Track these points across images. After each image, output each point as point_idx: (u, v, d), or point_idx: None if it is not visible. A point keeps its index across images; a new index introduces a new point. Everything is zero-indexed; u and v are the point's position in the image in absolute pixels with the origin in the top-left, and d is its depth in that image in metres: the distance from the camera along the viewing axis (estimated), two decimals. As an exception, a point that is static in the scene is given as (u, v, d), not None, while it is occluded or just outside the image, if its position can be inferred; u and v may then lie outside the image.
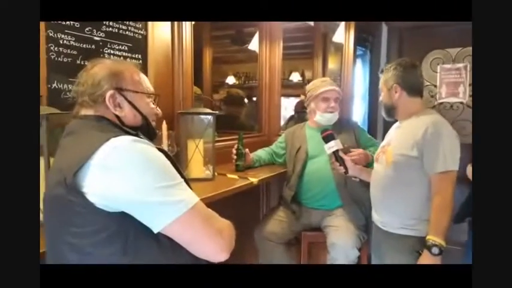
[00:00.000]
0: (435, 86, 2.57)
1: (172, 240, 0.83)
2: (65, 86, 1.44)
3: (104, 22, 1.60)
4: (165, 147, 1.62)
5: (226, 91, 3.26)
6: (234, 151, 2.07)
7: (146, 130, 1.01)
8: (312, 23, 3.01)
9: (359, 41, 2.61)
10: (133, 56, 1.76)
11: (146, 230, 0.81)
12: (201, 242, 0.85)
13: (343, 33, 2.49)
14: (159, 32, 1.89)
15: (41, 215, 0.90)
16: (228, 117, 2.92)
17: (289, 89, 3.37)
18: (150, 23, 1.81)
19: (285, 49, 2.78)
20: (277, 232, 2.04)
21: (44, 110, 1.17)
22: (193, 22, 2.00)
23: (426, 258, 1.40)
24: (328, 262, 1.89)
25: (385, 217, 1.58)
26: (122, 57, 1.68)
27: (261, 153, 2.28)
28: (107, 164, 0.79)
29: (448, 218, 1.41)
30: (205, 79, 3.03)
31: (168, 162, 0.87)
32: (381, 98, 1.66)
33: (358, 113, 2.85)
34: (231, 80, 3.46)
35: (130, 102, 0.96)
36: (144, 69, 1.42)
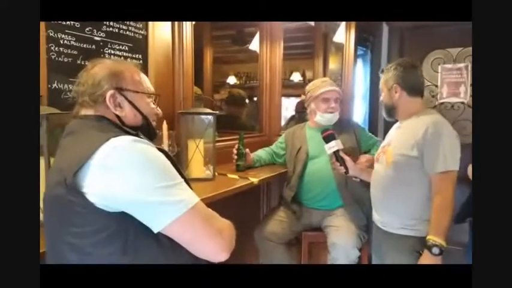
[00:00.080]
0: (436, 86, 2.57)
1: (172, 240, 0.83)
2: (65, 86, 1.44)
3: (104, 22, 1.60)
4: (165, 147, 1.62)
5: (227, 91, 3.26)
6: (235, 151, 2.07)
7: (146, 130, 1.01)
8: (312, 23, 3.01)
9: (360, 41, 2.60)
10: (134, 56, 1.76)
11: (146, 229, 0.81)
12: (201, 242, 0.85)
13: (343, 33, 2.49)
14: (160, 32, 1.89)
15: (41, 215, 0.90)
16: (228, 117, 2.91)
17: (290, 89, 3.37)
18: (150, 23, 1.81)
19: (285, 49, 2.78)
20: (278, 232, 2.03)
21: (44, 110, 1.17)
22: (193, 22, 1.99)
23: (427, 259, 1.40)
24: (329, 262, 1.89)
25: (386, 217, 1.58)
26: (122, 57, 1.68)
27: (261, 153, 2.28)
28: (107, 164, 0.79)
29: (448, 218, 1.41)
30: (205, 79, 3.03)
31: (168, 162, 0.87)
32: (381, 98, 1.66)
33: (359, 113, 2.85)
34: (231, 80, 3.47)
35: (130, 102, 0.96)
36: (144, 69, 1.42)
